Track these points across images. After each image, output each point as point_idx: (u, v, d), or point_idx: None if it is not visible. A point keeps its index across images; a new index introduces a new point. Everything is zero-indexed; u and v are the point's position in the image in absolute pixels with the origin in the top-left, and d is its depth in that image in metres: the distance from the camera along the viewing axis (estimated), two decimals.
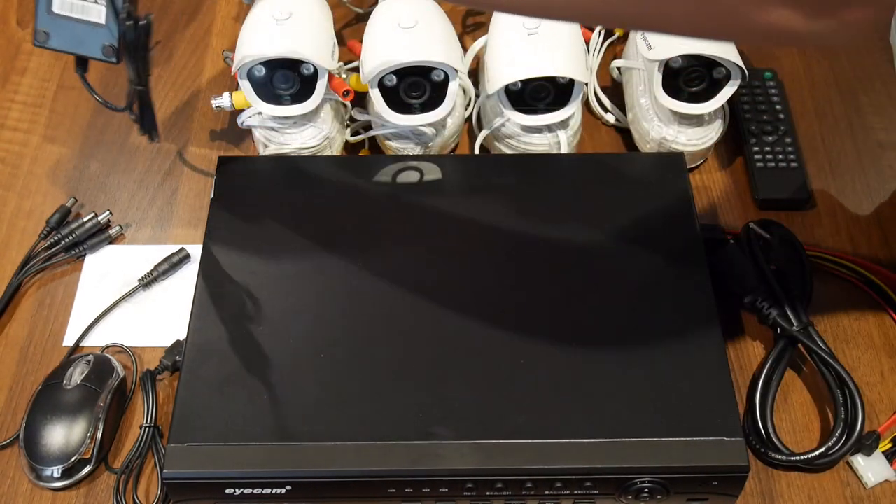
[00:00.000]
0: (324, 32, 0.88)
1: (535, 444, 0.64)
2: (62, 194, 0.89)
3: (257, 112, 0.86)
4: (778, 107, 0.93)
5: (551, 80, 0.84)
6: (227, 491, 0.65)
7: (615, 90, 0.95)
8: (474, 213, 0.77)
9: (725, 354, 0.69)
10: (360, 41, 0.90)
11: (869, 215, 0.87)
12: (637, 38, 0.89)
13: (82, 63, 0.74)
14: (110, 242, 0.86)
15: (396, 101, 0.85)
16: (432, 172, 0.81)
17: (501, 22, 0.89)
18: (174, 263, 0.83)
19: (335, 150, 0.89)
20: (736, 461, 0.64)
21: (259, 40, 0.85)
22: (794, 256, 0.79)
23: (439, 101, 0.85)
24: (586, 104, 0.95)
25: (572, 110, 0.85)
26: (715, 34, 0.62)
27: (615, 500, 0.66)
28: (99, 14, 0.69)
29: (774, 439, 0.71)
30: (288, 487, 0.65)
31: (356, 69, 0.90)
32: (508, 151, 0.88)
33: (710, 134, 0.87)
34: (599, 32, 0.93)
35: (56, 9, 0.70)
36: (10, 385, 0.77)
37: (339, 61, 0.88)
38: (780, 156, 0.89)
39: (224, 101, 0.88)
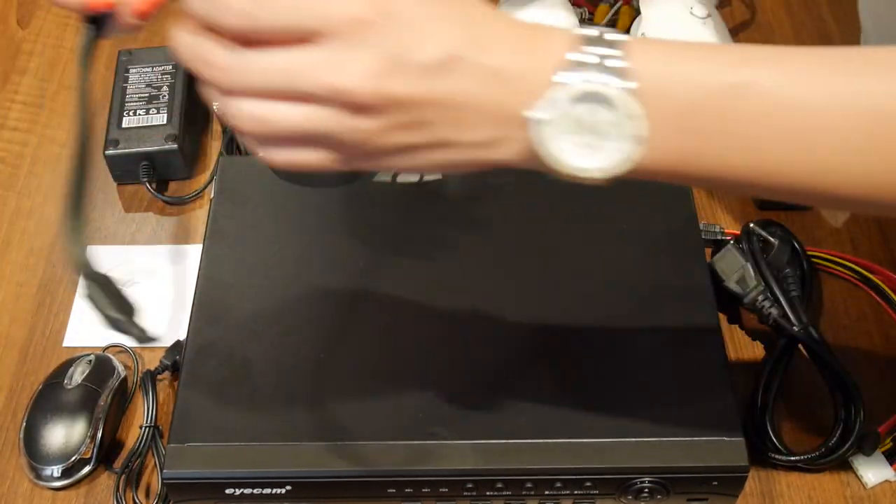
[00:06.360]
0: None
1: (535, 444, 0.64)
2: (62, 194, 0.89)
3: None
4: None
5: None
6: (227, 491, 0.65)
7: None
8: (474, 214, 0.77)
9: (725, 354, 0.69)
10: None
11: (869, 215, 0.87)
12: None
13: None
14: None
15: None
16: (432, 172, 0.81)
17: None
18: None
19: None
20: (736, 461, 0.64)
21: None
22: (794, 256, 0.79)
23: None
24: None
25: None
26: None
27: (615, 500, 0.66)
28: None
29: (774, 439, 0.71)
30: (288, 487, 0.65)
31: None
32: None
33: None
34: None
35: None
36: (10, 385, 0.77)
37: None
38: None
39: None
